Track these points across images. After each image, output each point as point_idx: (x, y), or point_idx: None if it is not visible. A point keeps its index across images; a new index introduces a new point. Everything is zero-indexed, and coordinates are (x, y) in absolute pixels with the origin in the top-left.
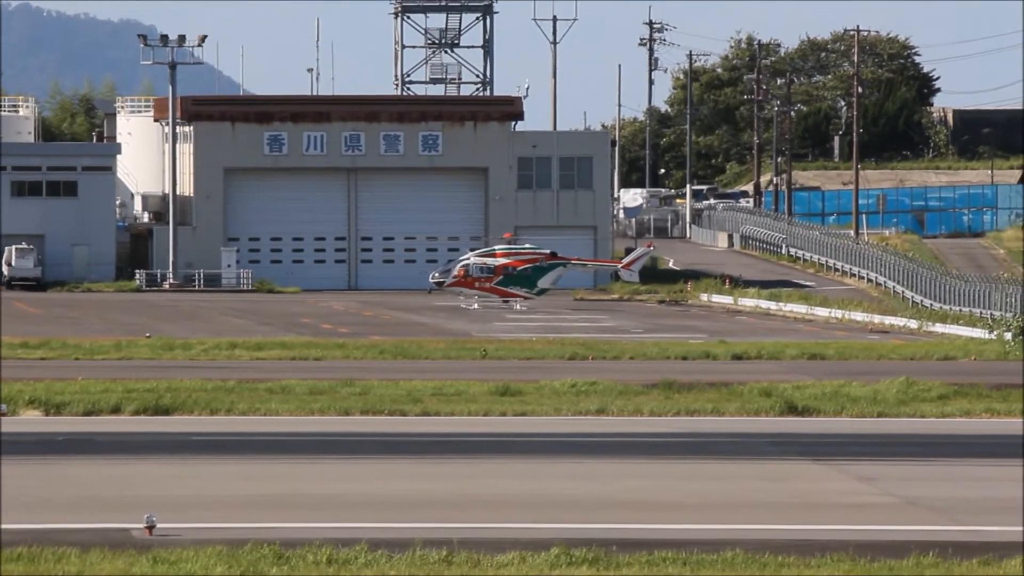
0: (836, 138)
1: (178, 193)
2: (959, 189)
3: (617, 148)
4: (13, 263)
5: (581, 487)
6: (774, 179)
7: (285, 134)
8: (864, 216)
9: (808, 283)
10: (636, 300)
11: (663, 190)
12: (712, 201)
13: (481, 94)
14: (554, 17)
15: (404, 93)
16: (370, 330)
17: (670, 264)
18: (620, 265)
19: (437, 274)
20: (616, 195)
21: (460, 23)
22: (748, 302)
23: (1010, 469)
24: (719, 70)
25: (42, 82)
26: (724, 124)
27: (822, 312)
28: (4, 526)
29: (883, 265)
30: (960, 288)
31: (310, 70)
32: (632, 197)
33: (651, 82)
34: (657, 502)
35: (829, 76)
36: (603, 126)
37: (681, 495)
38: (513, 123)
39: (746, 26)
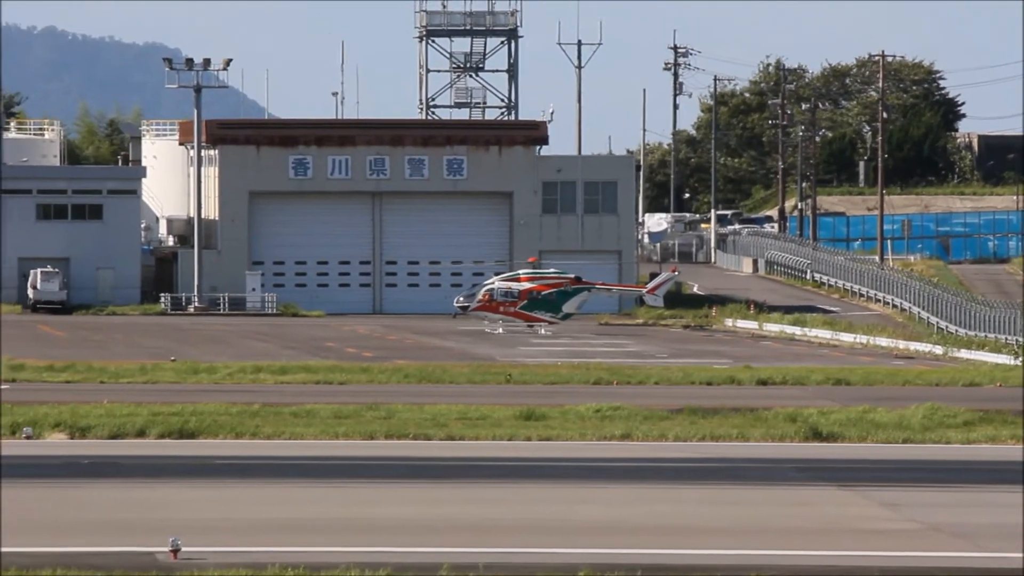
0: (861, 163)
1: (203, 216)
2: (984, 215)
3: (642, 172)
4: (38, 286)
5: (606, 512)
6: (799, 204)
7: (310, 158)
8: (889, 242)
9: (833, 308)
10: (661, 325)
11: (688, 215)
12: (737, 226)
13: (506, 118)
14: (579, 41)
15: (429, 117)
16: (395, 354)
17: (695, 289)
18: (645, 290)
19: (462, 298)
20: (641, 220)
21: (485, 47)
22: (773, 327)
23: None
24: (747, 95)
25: (67, 105)
26: (750, 149)
27: (847, 338)
28: (30, 549)
29: (908, 291)
30: (985, 314)
31: (335, 94)
32: (657, 222)
33: (675, 106)
34: (682, 527)
35: (853, 102)
36: (628, 151)
37: (706, 520)
38: (538, 147)
39: (769, 50)
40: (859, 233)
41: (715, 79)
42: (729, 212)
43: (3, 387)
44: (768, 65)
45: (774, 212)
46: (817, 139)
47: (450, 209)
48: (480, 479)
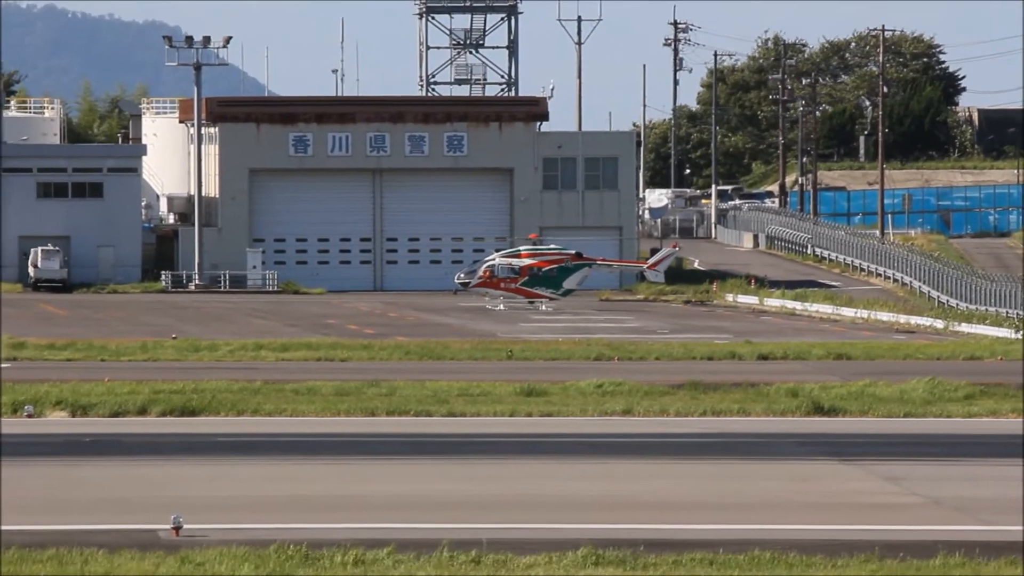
0: (861, 138)
1: (203, 194)
2: (985, 189)
3: (642, 148)
4: (39, 264)
5: (608, 487)
6: (799, 179)
7: (310, 135)
8: (890, 216)
9: (834, 283)
10: (661, 301)
11: (688, 190)
12: (737, 201)
13: (506, 95)
14: (579, 17)
15: (429, 94)
16: (396, 331)
17: (695, 264)
18: (646, 266)
19: (463, 275)
20: (641, 195)
21: (485, 24)
22: (774, 302)
23: None
24: (746, 72)
25: (67, 83)
26: (749, 126)
27: (848, 312)
28: (31, 527)
29: (909, 265)
30: (986, 288)
31: (335, 71)
32: (657, 197)
33: (676, 82)
34: (684, 502)
35: (853, 76)
36: (634, 125)
37: (707, 495)
38: (538, 124)
39: (768, 25)
40: (860, 208)
41: (715, 54)
42: (729, 187)
43: (4, 365)
44: (766, 41)
45: (774, 187)
46: (817, 114)
47: (451, 186)
48: (481, 455)
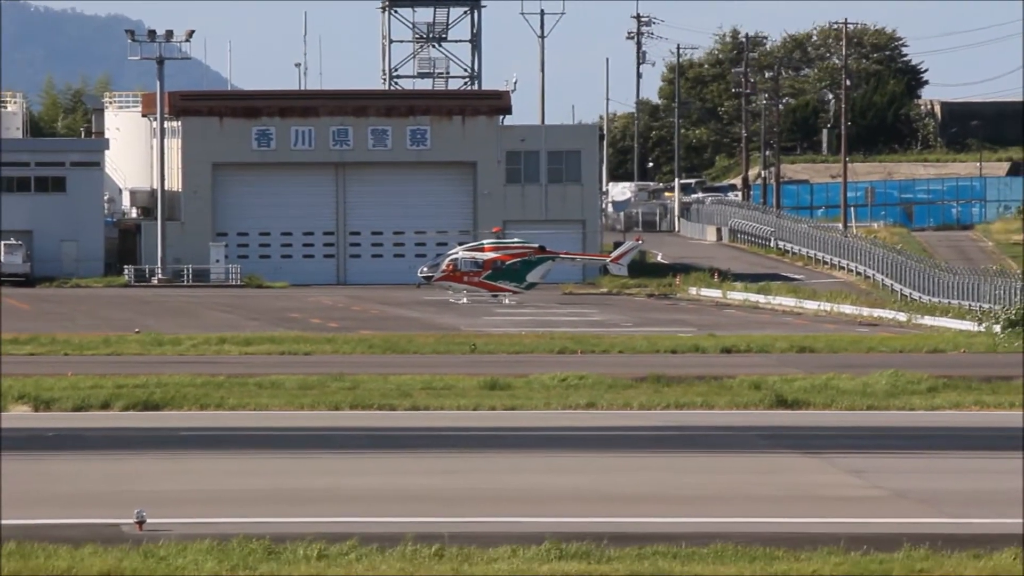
0: (824, 131)
1: (166, 188)
2: (947, 181)
3: (605, 142)
4: (2, 259)
5: (571, 481)
6: (762, 172)
7: (273, 129)
8: (852, 209)
9: (797, 276)
10: (625, 294)
11: (651, 184)
12: (701, 195)
13: (469, 88)
14: (541, 11)
15: (392, 87)
16: (359, 325)
17: (659, 258)
18: (609, 259)
19: (426, 268)
20: (604, 189)
21: (448, 17)
22: (737, 295)
23: (999, 461)
24: (705, 66)
25: (29, 77)
26: (711, 120)
27: (811, 305)
28: None
29: (872, 258)
30: (949, 281)
31: (297, 65)
32: (620, 191)
33: (639, 76)
34: (647, 495)
35: (815, 70)
36: (600, 118)
37: (671, 488)
38: (501, 117)
39: (732, 19)
40: (823, 201)
41: (677, 48)
42: (692, 181)
43: None
44: (724, 35)
45: (738, 180)
46: (780, 107)
47: (414, 179)
48: (445, 449)
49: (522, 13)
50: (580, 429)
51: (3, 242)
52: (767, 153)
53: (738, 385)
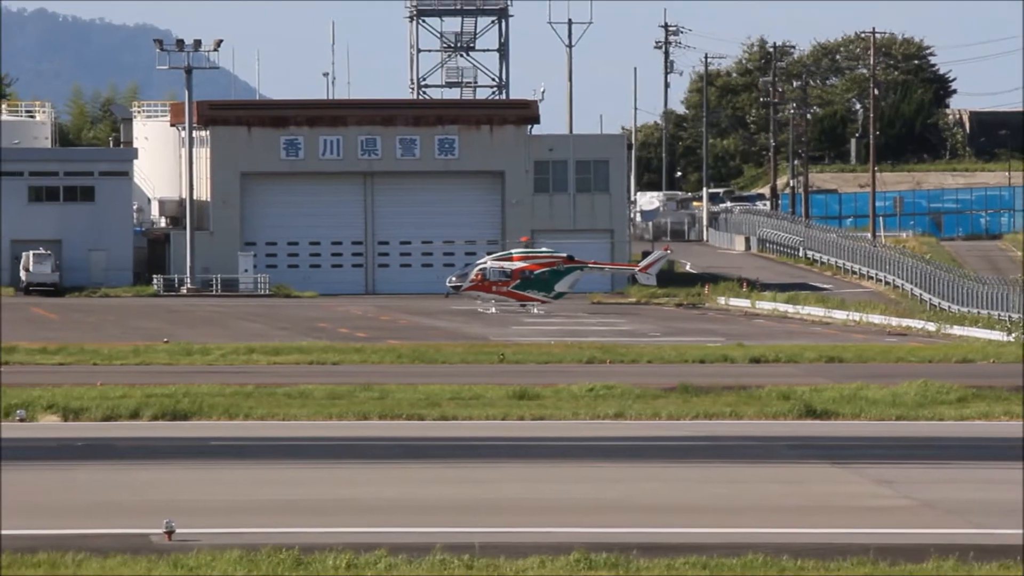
0: (852, 140)
1: (195, 198)
2: (976, 191)
3: (634, 151)
4: (31, 268)
5: (600, 491)
6: (791, 182)
7: (301, 138)
8: (881, 219)
9: (825, 286)
10: (653, 303)
11: (680, 193)
12: (729, 204)
13: (497, 97)
14: (569, 20)
15: (420, 97)
16: (387, 334)
17: (687, 267)
18: (637, 268)
19: (454, 278)
20: (633, 198)
21: (475, 26)
22: (765, 305)
23: None
24: (733, 75)
25: (58, 87)
26: (740, 129)
27: (840, 315)
28: (23, 532)
29: (900, 268)
30: (978, 290)
31: (326, 74)
32: (649, 200)
33: (667, 85)
34: (676, 506)
35: (843, 79)
36: (623, 128)
37: (700, 499)
38: (529, 126)
39: (759, 27)
40: (851, 210)
41: (705, 57)
42: (721, 190)
43: None
44: (752, 45)
45: (766, 190)
46: (808, 116)
47: (442, 189)
48: (474, 459)
49: (550, 22)
50: (609, 439)
51: (32, 252)
52: (795, 163)
53: (767, 395)
